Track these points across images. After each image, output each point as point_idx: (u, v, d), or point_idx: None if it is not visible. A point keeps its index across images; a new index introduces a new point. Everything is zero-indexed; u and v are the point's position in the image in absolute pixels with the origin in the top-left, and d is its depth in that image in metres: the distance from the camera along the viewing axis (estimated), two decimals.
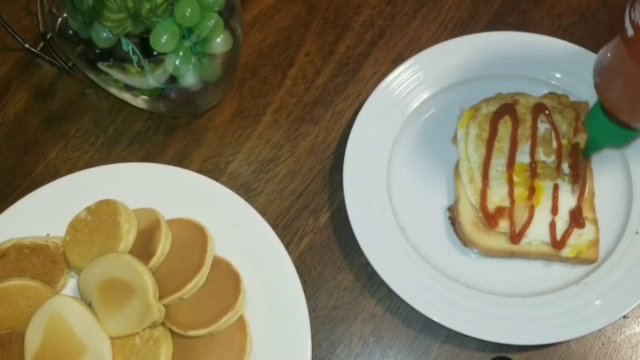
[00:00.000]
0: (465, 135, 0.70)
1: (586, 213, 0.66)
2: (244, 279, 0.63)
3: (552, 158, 0.68)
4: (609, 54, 0.52)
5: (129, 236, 0.63)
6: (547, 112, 0.69)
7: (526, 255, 0.66)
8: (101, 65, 0.63)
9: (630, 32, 0.47)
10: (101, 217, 0.64)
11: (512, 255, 0.66)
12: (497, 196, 0.67)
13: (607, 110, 0.58)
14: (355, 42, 0.79)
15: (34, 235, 0.66)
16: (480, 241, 0.66)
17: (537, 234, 0.65)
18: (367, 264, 0.65)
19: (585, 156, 0.67)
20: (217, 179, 0.69)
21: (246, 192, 0.72)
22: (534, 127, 0.69)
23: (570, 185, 0.67)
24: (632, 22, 0.47)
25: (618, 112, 0.56)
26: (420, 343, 0.66)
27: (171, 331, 0.61)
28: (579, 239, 0.65)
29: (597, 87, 0.57)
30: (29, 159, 0.74)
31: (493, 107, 0.70)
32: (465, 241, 0.67)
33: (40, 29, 0.70)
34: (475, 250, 0.67)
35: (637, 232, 0.67)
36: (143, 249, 0.63)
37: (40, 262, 0.64)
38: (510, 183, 0.67)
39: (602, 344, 0.65)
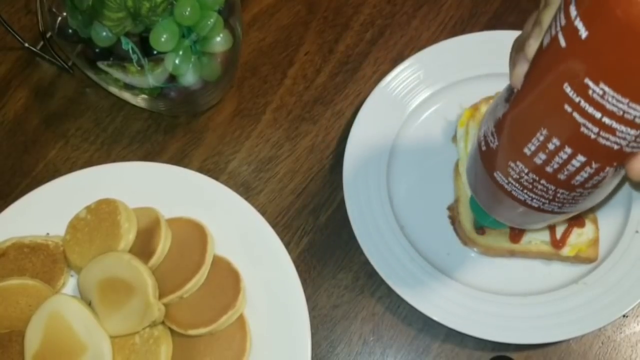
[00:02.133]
0: (465, 134, 0.70)
1: (586, 212, 0.66)
2: (243, 278, 0.63)
3: None
4: (472, 159, 0.52)
5: (128, 235, 0.63)
6: None
7: (526, 255, 0.66)
8: (101, 65, 0.63)
9: (483, 147, 0.47)
10: (101, 216, 0.64)
11: (511, 254, 0.66)
12: None
13: None
14: (355, 41, 0.79)
15: (33, 235, 0.66)
16: (480, 240, 0.66)
17: (537, 233, 0.65)
18: (366, 263, 0.65)
19: (477, 227, 0.66)
20: (217, 178, 0.69)
21: (246, 191, 0.72)
22: None
23: None
24: (484, 138, 0.47)
25: (486, 209, 0.54)
26: (420, 342, 0.66)
27: (171, 330, 0.61)
28: (579, 238, 0.65)
29: (468, 184, 0.56)
30: (28, 158, 0.74)
31: None
32: (465, 240, 0.67)
33: (40, 28, 0.70)
34: (475, 249, 0.67)
35: (637, 231, 0.67)
36: (143, 248, 0.63)
37: (40, 261, 0.64)
38: None
39: (602, 343, 0.66)
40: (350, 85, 0.77)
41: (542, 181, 0.43)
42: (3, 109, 0.76)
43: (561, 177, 0.42)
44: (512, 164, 0.44)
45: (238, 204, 0.67)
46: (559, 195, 0.44)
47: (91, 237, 0.64)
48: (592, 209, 0.67)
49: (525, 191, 0.45)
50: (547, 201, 0.45)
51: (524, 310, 0.64)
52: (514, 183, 0.45)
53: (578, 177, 0.42)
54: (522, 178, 0.44)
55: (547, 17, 0.41)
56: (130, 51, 0.60)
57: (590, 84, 0.35)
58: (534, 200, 0.45)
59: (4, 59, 0.78)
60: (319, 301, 0.67)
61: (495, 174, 0.46)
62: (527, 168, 0.43)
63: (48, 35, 0.71)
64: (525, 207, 0.47)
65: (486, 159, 0.47)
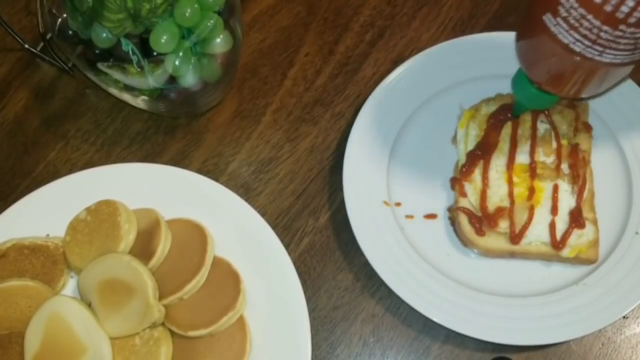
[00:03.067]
0: (465, 135, 0.70)
1: (586, 213, 0.66)
2: (243, 279, 0.63)
3: (552, 158, 0.68)
4: (522, 22, 0.56)
5: (128, 236, 0.63)
6: (546, 112, 0.69)
7: (526, 256, 0.66)
8: (101, 66, 0.63)
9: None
10: (101, 217, 0.64)
11: (512, 255, 0.66)
12: (497, 196, 0.67)
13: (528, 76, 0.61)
14: (355, 42, 0.79)
15: (33, 236, 0.66)
16: (480, 241, 0.66)
17: (537, 234, 0.65)
18: (366, 264, 0.65)
19: (514, 116, 0.69)
20: (217, 179, 0.69)
21: (246, 192, 0.72)
22: (534, 128, 0.69)
23: (570, 185, 0.67)
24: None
25: (535, 78, 0.59)
26: (420, 343, 0.66)
27: (171, 331, 0.61)
28: (579, 239, 0.65)
29: (517, 55, 0.60)
30: (28, 159, 0.74)
31: (493, 108, 0.70)
32: (465, 241, 0.67)
33: (40, 30, 0.70)
34: (475, 250, 0.67)
35: (637, 233, 0.67)
36: (143, 249, 0.63)
37: (40, 262, 0.64)
38: (510, 183, 0.67)
39: (602, 344, 0.66)
40: (350, 86, 0.77)
41: (589, 16, 0.46)
42: (3, 110, 0.76)
43: (608, 8, 0.45)
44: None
45: (238, 205, 0.67)
46: (602, 35, 0.47)
47: (91, 239, 0.64)
48: (593, 210, 0.67)
49: (570, 31, 0.48)
50: (590, 43, 0.48)
51: (524, 311, 0.64)
52: (561, 23, 0.48)
53: (623, 7, 0.44)
54: (570, 15, 0.47)
55: None
56: (131, 52, 0.60)
57: None
58: (577, 44, 0.48)
59: (4, 60, 0.79)
60: (319, 302, 0.67)
61: (544, 17, 0.49)
62: (577, 2, 0.46)
63: (48, 36, 0.71)
64: (568, 54, 0.49)
65: (536, 3, 0.50)
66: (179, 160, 0.73)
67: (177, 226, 0.65)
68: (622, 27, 0.46)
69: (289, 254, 0.65)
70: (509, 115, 0.69)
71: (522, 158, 0.68)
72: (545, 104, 0.66)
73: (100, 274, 0.61)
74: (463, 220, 0.66)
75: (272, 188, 0.72)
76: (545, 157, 0.68)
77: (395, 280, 0.64)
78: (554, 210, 0.66)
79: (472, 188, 0.67)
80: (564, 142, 0.69)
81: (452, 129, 0.72)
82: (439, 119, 0.73)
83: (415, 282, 0.64)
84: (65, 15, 0.62)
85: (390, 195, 0.69)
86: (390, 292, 0.65)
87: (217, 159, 0.74)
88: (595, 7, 0.46)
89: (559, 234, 0.65)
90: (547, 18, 0.50)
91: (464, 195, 0.67)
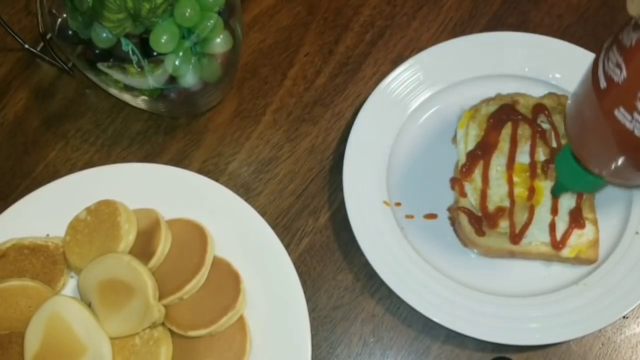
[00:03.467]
0: (465, 135, 0.70)
1: (586, 213, 0.66)
2: (243, 279, 0.63)
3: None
4: (579, 105, 0.50)
5: (128, 236, 0.63)
6: (546, 112, 0.69)
7: (526, 256, 0.66)
8: (101, 66, 0.63)
9: (603, 84, 0.45)
10: (101, 217, 0.64)
11: (512, 255, 0.66)
12: (497, 196, 0.67)
13: (577, 157, 0.56)
14: (355, 42, 0.79)
15: (33, 236, 0.66)
16: (480, 241, 0.66)
17: (537, 234, 0.65)
18: (367, 264, 0.65)
19: (554, 196, 0.66)
20: (216, 179, 0.69)
21: (246, 192, 0.72)
22: (534, 127, 0.69)
23: None
24: (605, 73, 0.45)
25: (587, 163, 0.53)
26: (420, 343, 0.66)
27: (171, 331, 0.61)
28: (579, 239, 0.65)
29: (568, 134, 0.55)
30: (28, 159, 0.74)
31: (493, 108, 0.70)
32: (465, 241, 0.67)
33: (40, 30, 0.70)
34: (475, 250, 0.67)
35: (637, 232, 0.67)
36: (143, 249, 0.63)
37: (40, 262, 0.64)
38: (510, 183, 0.67)
39: (602, 344, 0.66)
40: (350, 86, 0.77)
41: None
42: (3, 110, 0.76)
43: None
44: None
45: (238, 205, 0.67)
46: None
47: (91, 239, 0.64)
48: (593, 210, 0.67)
49: None
50: None
51: (524, 311, 0.64)
52: (639, 118, 0.43)
53: None
54: None
55: None
56: (130, 52, 0.60)
57: None
58: None
59: (4, 60, 0.78)
60: (319, 302, 0.67)
61: (616, 112, 0.44)
62: None
63: (48, 36, 0.71)
64: None
65: (606, 96, 0.44)
66: (179, 160, 0.73)
67: (177, 226, 0.65)
68: None
69: (289, 254, 0.65)
70: (509, 115, 0.69)
71: (522, 158, 0.68)
72: (592, 187, 0.61)
73: (100, 274, 0.61)
74: (463, 220, 0.66)
75: (272, 188, 0.72)
76: (546, 157, 0.68)
77: (395, 280, 0.64)
78: (554, 210, 0.66)
79: (472, 188, 0.67)
80: (564, 141, 0.68)
81: (452, 129, 0.72)
82: (439, 119, 0.73)
83: (415, 282, 0.64)
84: (65, 15, 0.62)
85: (390, 195, 0.69)
86: (390, 292, 0.65)
87: (217, 159, 0.74)
88: None
89: (559, 234, 0.65)
90: (621, 114, 0.44)
91: (464, 195, 0.67)
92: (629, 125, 0.43)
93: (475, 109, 0.71)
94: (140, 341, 0.60)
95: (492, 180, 0.67)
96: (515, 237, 0.65)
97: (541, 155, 0.68)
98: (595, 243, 0.65)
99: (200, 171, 0.70)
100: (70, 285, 0.66)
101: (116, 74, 0.63)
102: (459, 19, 0.80)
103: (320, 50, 0.78)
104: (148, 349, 0.60)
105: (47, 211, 0.67)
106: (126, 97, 0.67)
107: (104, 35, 0.60)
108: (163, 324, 0.61)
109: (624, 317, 0.65)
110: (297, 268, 0.64)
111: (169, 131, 0.75)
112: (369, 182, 0.69)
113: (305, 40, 0.79)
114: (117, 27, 0.58)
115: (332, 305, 0.67)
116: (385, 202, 0.68)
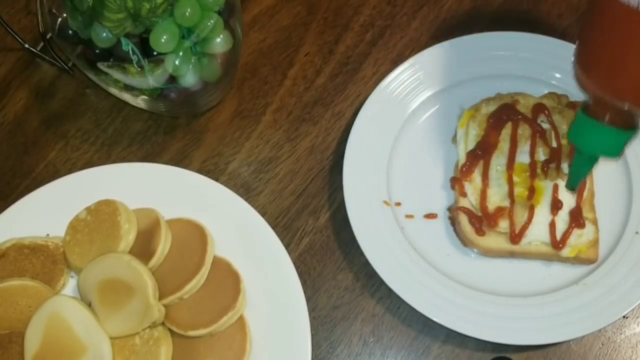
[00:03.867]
0: (465, 135, 0.70)
1: (586, 213, 0.66)
2: (243, 279, 0.63)
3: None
4: (601, 34, 0.49)
5: (128, 236, 0.63)
6: (546, 112, 0.69)
7: (526, 255, 0.66)
8: (101, 66, 0.63)
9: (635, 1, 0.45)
10: (101, 217, 0.64)
11: (512, 255, 0.66)
12: (497, 196, 0.67)
13: (598, 109, 0.54)
14: (355, 42, 0.79)
15: (33, 235, 0.66)
16: (480, 241, 0.66)
17: (537, 234, 0.65)
18: (367, 264, 0.65)
19: (570, 189, 0.64)
20: (217, 179, 0.69)
21: (246, 192, 0.72)
22: (534, 127, 0.69)
23: None
24: None
25: (621, 96, 0.51)
26: (420, 343, 0.66)
27: (171, 331, 0.61)
28: (579, 239, 0.65)
29: (587, 78, 0.53)
30: (28, 159, 0.74)
31: (493, 107, 0.70)
32: (465, 241, 0.67)
33: (40, 29, 0.70)
34: (475, 250, 0.67)
35: (637, 232, 0.67)
36: (143, 249, 0.63)
37: (40, 262, 0.64)
38: (510, 183, 0.67)
39: (602, 344, 0.66)
40: (350, 86, 0.77)
41: None
42: (3, 110, 0.76)
43: None
44: None
45: (238, 205, 0.67)
46: None
47: (91, 238, 0.64)
48: (593, 209, 0.67)
49: None
50: None
51: (524, 311, 0.64)
52: None
53: None
54: None
55: None
56: (131, 52, 0.60)
57: None
58: None
59: (4, 59, 0.79)
60: (319, 302, 0.67)
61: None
62: None
63: (48, 36, 0.71)
64: None
65: None
66: (179, 160, 0.73)
67: (177, 226, 0.65)
68: None
69: (289, 253, 0.65)
70: (509, 115, 0.69)
71: (522, 158, 0.68)
72: (618, 144, 0.57)
73: (100, 274, 0.61)
74: (463, 220, 0.66)
75: (272, 188, 0.72)
76: (546, 157, 0.68)
77: (395, 280, 0.64)
78: (554, 210, 0.66)
79: (472, 188, 0.67)
80: (564, 141, 0.69)
81: (452, 129, 0.72)
82: (439, 119, 0.73)
83: (415, 282, 0.64)
84: (65, 15, 0.62)
85: (390, 195, 0.69)
86: (390, 292, 0.65)
87: (217, 158, 0.74)
88: None
89: (559, 234, 0.65)
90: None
91: (464, 195, 0.67)
92: None
93: (475, 108, 0.71)
94: (140, 341, 0.60)
95: (492, 180, 0.67)
96: (515, 237, 0.65)
97: (541, 155, 0.68)
98: (595, 243, 0.65)
99: (200, 171, 0.70)
100: (70, 285, 0.66)
101: (116, 74, 0.63)
102: (459, 19, 0.80)
103: (320, 50, 0.78)
104: (148, 348, 0.60)
105: (47, 211, 0.67)
106: (126, 96, 0.67)
107: (104, 35, 0.60)
108: (163, 323, 0.61)
109: (624, 317, 0.65)
110: (297, 268, 0.64)
111: (169, 131, 0.75)
112: (369, 182, 0.69)
113: (305, 40, 0.79)
114: (117, 27, 0.58)
115: (332, 305, 0.67)
116: (385, 202, 0.68)
